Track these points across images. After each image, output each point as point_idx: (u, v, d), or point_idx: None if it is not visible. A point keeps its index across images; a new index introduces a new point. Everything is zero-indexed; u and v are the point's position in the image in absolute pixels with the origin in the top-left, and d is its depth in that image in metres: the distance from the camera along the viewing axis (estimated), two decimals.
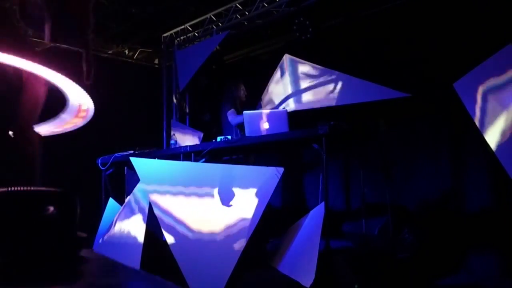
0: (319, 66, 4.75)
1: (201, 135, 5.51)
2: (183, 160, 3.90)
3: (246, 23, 5.49)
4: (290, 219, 3.76)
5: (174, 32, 6.27)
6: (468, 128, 3.66)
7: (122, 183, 4.37)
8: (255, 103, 5.15)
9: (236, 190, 3.19)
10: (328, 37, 5.01)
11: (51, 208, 1.35)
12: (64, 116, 1.98)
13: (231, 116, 4.66)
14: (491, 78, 3.53)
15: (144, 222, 3.45)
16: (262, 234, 3.47)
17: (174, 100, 6.48)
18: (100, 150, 4.37)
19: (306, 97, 4.74)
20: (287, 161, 4.82)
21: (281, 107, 4.56)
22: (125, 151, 4.15)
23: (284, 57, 5.00)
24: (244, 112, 3.64)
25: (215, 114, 6.05)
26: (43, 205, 1.39)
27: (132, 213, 3.64)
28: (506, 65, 3.47)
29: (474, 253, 3.80)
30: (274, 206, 4.04)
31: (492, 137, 3.45)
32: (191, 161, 3.78)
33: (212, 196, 3.25)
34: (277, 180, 3.02)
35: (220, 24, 5.68)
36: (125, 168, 4.36)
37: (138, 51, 6.98)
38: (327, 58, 4.85)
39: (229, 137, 3.78)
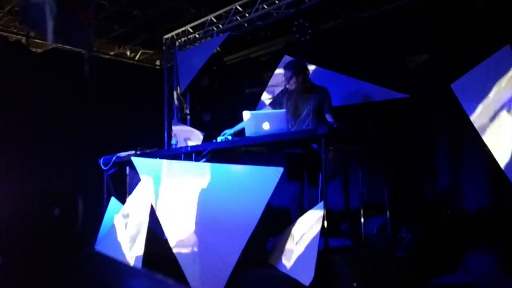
0: (318, 67, 4.79)
1: (202, 135, 5.55)
2: (184, 160, 3.93)
3: (246, 25, 5.53)
4: (290, 218, 3.80)
5: (175, 34, 6.32)
6: (466, 128, 3.69)
7: (124, 183, 4.41)
8: (255, 103, 5.19)
9: (236, 189, 3.22)
10: (327, 38, 5.05)
11: (57, 210, 1.38)
12: None
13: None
14: (488, 79, 3.57)
15: (145, 221, 3.48)
16: (262, 234, 3.50)
17: (175, 101, 6.52)
18: (102, 150, 4.41)
19: None
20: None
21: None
22: (127, 151, 4.19)
23: (284, 58, 5.04)
24: (244, 112, 3.66)
25: (215, 114, 6.10)
26: (47, 205, 1.43)
27: (133, 212, 3.68)
28: (504, 66, 3.50)
29: (472, 252, 3.83)
30: (274, 206, 4.07)
31: (490, 137, 3.48)
32: (192, 161, 3.82)
33: (213, 195, 3.28)
34: (277, 180, 3.05)
35: (221, 26, 5.73)
36: (127, 168, 4.40)
37: (140, 52, 7.04)
38: (326, 60, 4.90)
39: (230, 137, 3.82)
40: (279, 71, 4.10)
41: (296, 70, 3.86)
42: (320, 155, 3.52)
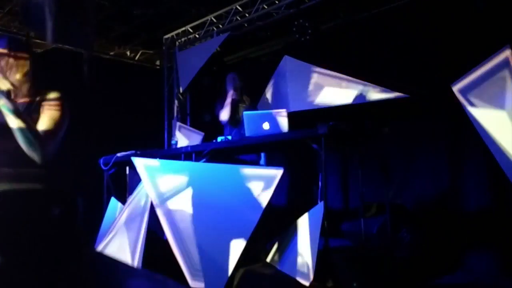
0: (318, 67, 4.79)
1: (202, 135, 5.55)
2: (184, 160, 3.94)
3: (246, 25, 5.54)
4: (290, 218, 3.79)
5: (175, 34, 6.32)
6: (466, 128, 3.69)
7: (124, 183, 4.41)
8: (255, 104, 5.19)
9: (236, 190, 3.22)
10: (327, 38, 5.05)
11: (57, 210, 1.38)
12: None
13: (219, 112, 4.53)
14: (489, 79, 3.57)
15: (145, 221, 3.48)
16: (262, 234, 3.50)
17: (175, 101, 6.52)
18: (102, 150, 4.41)
19: (306, 97, 4.77)
20: (287, 161, 4.85)
21: (280, 108, 4.58)
22: (127, 151, 4.19)
23: (284, 58, 5.04)
24: (244, 112, 3.67)
25: (215, 114, 6.11)
26: (47, 205, 1.42)
27: (133, 212, 3.68)
28: (504, 66, 3.50)
29: (472, 252, 3.83)
30: (274, 206, 4.07)
31: (490, 137, 3.48)
32: (192, 161, 3.82)
33: (213, 195, 3.28)
34: (277, 180, 3.05)
35: (221, 26, 5.73)
36: (127, 168, 4.40)
37: (140, 52, 7.03)
38: (326, 60, 4.89)
39: (229, 137, 3.82)
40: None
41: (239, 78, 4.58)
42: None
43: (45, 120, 1.82)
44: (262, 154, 4.39)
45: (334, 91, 4.70)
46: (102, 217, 4.07)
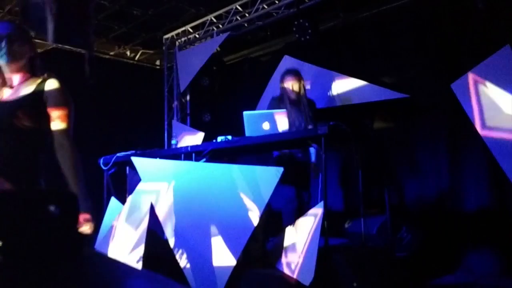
0: (318, 67, 4.79)
1: (202, 135, 5.55)
2: (184, 160, 3.93)
3: (246, 25, 5.54)
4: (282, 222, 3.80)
5: (175, 34, 6.32)
6: (466, 128, 3.70)
7: (124, 183, 4.41)
8: (255, 103, 5.19)
9: (236, 189, 3.22)
10: (327, 38, 5.05)
11: (53, 208, 1.38)
12: None
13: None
14: (488, 79, 3.57)
15: (145, 221, 3.48)
16: (262, 234, 3.50)
17: (175, 101, 6.52)
18: (102, 150, 4.41)
19: None
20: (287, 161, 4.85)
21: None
22: (127, 151, 4.19)
23: (284, 58, 5.04)
24: (244, 112, 3.67)
25: (215, 114, 6.11)
26: (46, 205, 1.42)
27: (133, 212, 3.68)
28: (504, 66, 3.50)
29: (472, 251, 3.83)
30: (274, 206, 4.07)
31: (489, 136, 3.48)
32: (192, 161, 3.82)
33: (213, 195, 3.28)
34: (277, 180, 3.05)
35: (221, 26, 5.73)
36: (127, 167, 4.40)
37: (140, 52, 7.03)
38: (326, 60, 4.90)
39: (229, 137, 3.81)
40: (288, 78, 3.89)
41: (300, 76, 3.89)
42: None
43: None
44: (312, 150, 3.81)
45: (334, 91, 4.70)
46: (102, 217, 4.07)
